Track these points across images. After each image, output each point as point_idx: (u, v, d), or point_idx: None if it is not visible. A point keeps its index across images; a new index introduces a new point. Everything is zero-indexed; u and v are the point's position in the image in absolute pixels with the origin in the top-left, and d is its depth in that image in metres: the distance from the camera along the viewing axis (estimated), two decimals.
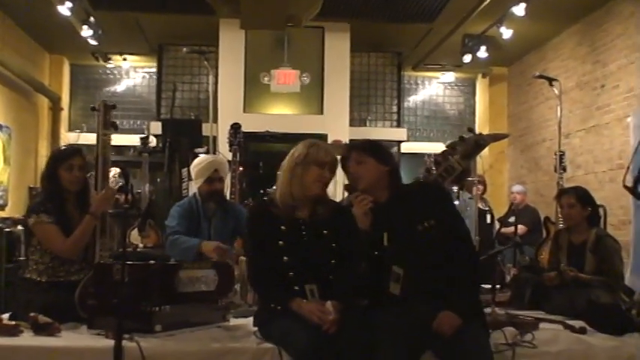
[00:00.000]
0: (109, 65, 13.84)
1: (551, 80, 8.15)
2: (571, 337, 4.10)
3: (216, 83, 11.00)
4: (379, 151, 4.04)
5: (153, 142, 10.24)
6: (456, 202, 8.29)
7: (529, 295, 5.54)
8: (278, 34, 11.70)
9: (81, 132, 13.21)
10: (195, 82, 13.50)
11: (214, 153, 8.37)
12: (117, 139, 11.58)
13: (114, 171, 7.19)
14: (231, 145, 7.22)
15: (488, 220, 9.33)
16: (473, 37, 11.90)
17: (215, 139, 9.00)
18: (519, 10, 9.86)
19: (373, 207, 3.85)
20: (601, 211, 6.51)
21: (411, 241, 3.80)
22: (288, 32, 11.46)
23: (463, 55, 12.27)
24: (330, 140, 10.92)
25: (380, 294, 3.81)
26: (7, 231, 8.55)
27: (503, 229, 9.00)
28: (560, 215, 6.23)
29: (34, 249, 4.54)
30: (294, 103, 12.23)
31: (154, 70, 13.83)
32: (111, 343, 3.43)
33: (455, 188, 8.17)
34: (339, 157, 4.05)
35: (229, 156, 7.11)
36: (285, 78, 11.48)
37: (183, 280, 3.96)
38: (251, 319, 4.10)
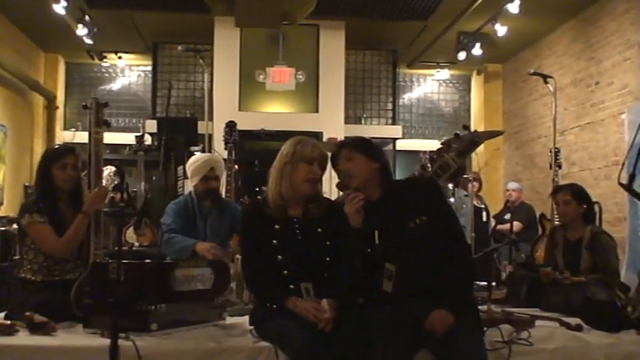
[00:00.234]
0: (104, 63, 13.83)
1: (545, 77, 8.17)
2: (567, 335, 4.10)
3: (211, 81, 11.00)
4: (369, 147, 4.01)
5: (148, 140, 10.21)
6: (452, 200, 8.32)
7: (525, 292, 5.54)
8: (273, 32, 11.70)
9: (76, 130, 13.21)
10: (191, 80, 13.49)
11: (210, 151, 8.38)
12: (112, 138, 11.66)
13: (109, 169, 7.20)
14: (226, 143, 7.23)
15: (484, 218, 9.34)
16: (467, 35, 11.92)
17: (210, 137, 8.99)
18: (514, 7, 9.87)
19: (365, 204, 3.83)
20: (596, 207, 6.52)
21: (403, 237, 3.79)
22: (283, 30, 11.45)
23: (458, 52, 12.30)
24: (325, 138, 10.92)
25: (373, 292, 3.80)
26: (3, 230, 8.54)
27: (499, 227, 9.02)
28: (555, 212, 6.24)
29: (28, 248, 4.53)
30: (289, 101, 12.23)
31: (149, 68, 13.81)
32: (107, 342, 3.42)
33: (450, 186, 8.20)
34: (329, 153, 4.04)
35: (225, 154, 7.12)
36: (281, 76, 11.49)
37: (179, 279, 3.95)
38: (247, 317, 4.10)
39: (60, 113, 13.66)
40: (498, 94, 14.20)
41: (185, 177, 7.64)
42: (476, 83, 14.53)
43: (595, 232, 5.59)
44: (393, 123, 13.78)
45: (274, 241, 3.84)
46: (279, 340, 3.61)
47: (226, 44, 11.85)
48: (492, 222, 9.50)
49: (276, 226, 3.88)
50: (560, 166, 7.95)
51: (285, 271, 3.80)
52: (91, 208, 4.47)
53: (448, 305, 3.61)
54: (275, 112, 12.16)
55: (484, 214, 9.38)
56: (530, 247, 6.68)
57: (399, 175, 11.95)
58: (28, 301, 4.25)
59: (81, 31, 10.94)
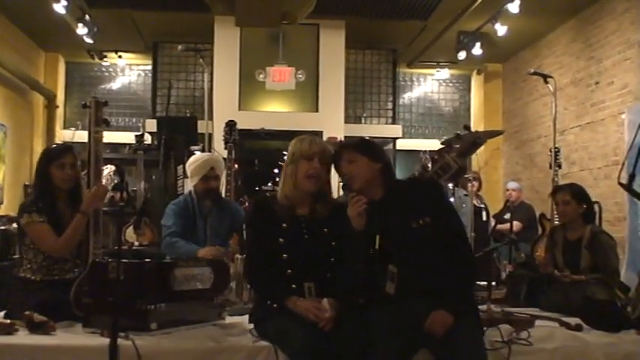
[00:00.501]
0: (104, 63, 13.85)
1: (545, 77, 8.16)
2: (567, 334, 4.10)
3: (211, 81, 11.00)
4: (370, 148, 4.00)
5: (148, 139, 10.20)
6: (452, 199, 8.30)
7: (525, 292, 5.54)
8: (273, 31, 11.70)
9: (76, 129, 13.19)
10: (191, 80, 13.50)
11: (210, 151, 8.37)
12: (112, 137, 11.67)
13: (109, 169, 7.19)
14: (226, 142, 7.22)
15: (484, 217, 9.33)
16: (467, 34, 11.92)
17: (210, 136, 8.99)
18: (514, 6, 9.87)
19: (368, 206, 3.81)
20: (596, 207, 6.52)
21: (405, 238, 3.78)
22: (283, 29, 11.46)
23: (458, 51, 12.29)
24: (325, 137, 10.92)
25: (375, 293, 3.79)
26: (2, 229, 8.53)
27: (499, 226, 9.01)
28: (555, 212, 6.23)
29: (27, 248, 4.53)
30: (289, 100, 12.23)
31: (149, 67, 13.82)
32: (106, 341, 3.42)
33: (450, 185, 8.19)
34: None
35: (224, 153, 7.11)
36: (281, 75, 11.49)
37: (178, 278, 3.95)
38: (247, 316, 4.10)
39: (60, 112, 13.67)
40: (498, 93, 14.20)
41: (185, 176, 7.63)
42: (476, 83, 14.53)
43: (595, 231, 5.59)
44: (393, 122, 13.79)
45: (281, 240, 3.86)
46: (279, 339, 3.61)
47: (226, 44, 11.85)
48: (492, 221, 9.49)
49: (284, 225, 3.89)
50: (560, 166, 7.95)
51: (289, 270, 3.82)
52: (90, 208, 4.46)
53: (448, 306, 3.60)
54: (275, 112, 12.17)
55: (484, 213, 9.37)
56: (530, 246, 6.66)
57: (399, 174, 11.95)
58: (27, 300, 4.25)
59: (81, 30, 10.95)
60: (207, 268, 4.22)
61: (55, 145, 5.49)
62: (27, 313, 3.87)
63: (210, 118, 9.26)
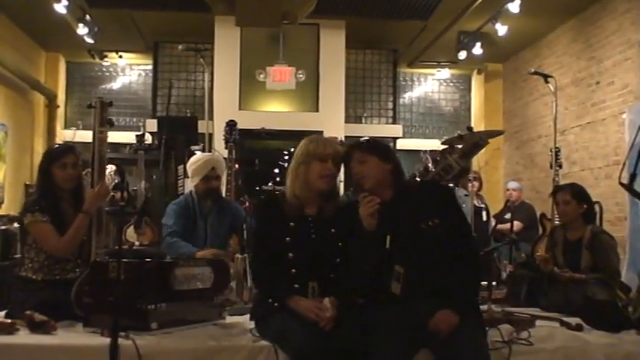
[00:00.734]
0: (104, 63, 13.84)
1: (546, 77, 8.14)
2: (567, 334, 4.10)
3: (211, 80, 11.00)
4: (382, 149, 4.01)
5: (149, 139, 10.21)
6: None
7: (525, 291, 5.54)
8: (273, 31, 11.70)
9: (77, 129, 13.19)
10: (191, 80, 13.50)
11: (210, 150, 8.37)
12: (113, 137, 11.51)
13: (109, 168, 7.18)
14: (226, 142, 7.23)
15: (484, 217, 9.31)
16: (468, 34, 11.92)
17: (211, 136, 8.99)
18: (514, 6, 9.88)
19: (380, 208, 3.81)
20: (597, 207, 6.51)
21: (414, 239, 3.79)
22: (284, 29, 11.46)
23: (458, 51, 12.29)
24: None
25: (380, 293, 3.79)
26: (3, 229, 8.54)
27: (499, 226, 8.99)
28: (555, 212, 6.23)
29: (29, 247, 4.54)
30: (289, 100, 12.23)
31: (150, 67, 13.82)
32: (107, 341, 3.42)
33: (450, 185, 8.18)
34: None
35: (225, 153, 7.11)
36: (281, 75, 11.49)
37: (179, 278, 3.95)
38: (247, 316, 4.11)
39: (61, 112, 13.66)
40: (499, 93, 14.19)
41: (185, 176, 7.63)
42: (476, 83, 14.53)
43: (595, 231, 5.59)
44: (394, 122, 13.79)
45: (287, 239, 3.86)
46: (280, 338, 3.61)
47: (227, 43, 11.85)
48: (492, 221, 9.48)
49: (291, 224, 3.90)
50: (560, 166, 7.94)
51: (294, 270, 3.83)
52: (92, 207, 4.47)
53: (454, 306, 3.61)
54: (275, 112, 12.16)
55: (484, 213, 9.36)
56: (531, 246, 6.65)
57: None
58: (28, 300, 4.26)
59: (82, 30, 10.95)
60: (208, 268, 4.23)
61: (57, 145, 5.50)
62: (28, 312, 3.88)
63: (211, 117, 9.26)
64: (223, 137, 7.28)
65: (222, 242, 5.51)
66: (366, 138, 4.26)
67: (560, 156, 7.99)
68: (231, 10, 9.52)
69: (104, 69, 14.15)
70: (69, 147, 4.78)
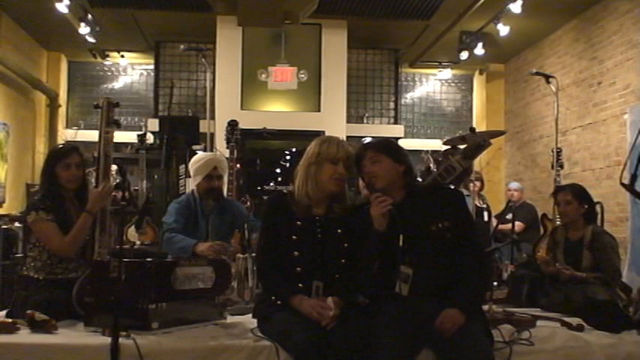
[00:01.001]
0: (106, 62, 13.83)
1: (547, 77, 8.14)
2: (568, 335, 4.10)
3: (213, 80, 10.98)
4: (395, 150, 4.02)
5: (150, 139, 10.24)
6: None
7: (526, 292, 5.55)
8: (275, 31, 11.69)
9: (79, 129, 13.21)
10: (193, 79, 13.49)
11: (212, 150, 8.38)
12: (114, 136, 11.64)
13: (111, 168, 7.19)
14: (228, 142, 7.23)
15: (486, 218, 9.31)
16: (470, 34, 11.91)
17: (212, 136, 9.00)
18: (516, 6, 9.87)
19: (392, 209, 3.80)
20: (598, 207, 6.51)
21: (423, 241, 3.79)
22: (286, 29, 11.45)
23: (460, 51, 12.27)
24: None
25: (386, 293, 3.79)
26: (5, 228, 8.55)
27: (501, 226, 8.99)
28: (557, 212, 6.24)
29: (32, 246, 4.55)
30: (291, 100, 12.21)
31: (152, 67, 13.81)
32: (107, 340, 3.42)
33: (452, 186, 8.19)
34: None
35: (226, 153, 7.12)
36: (283, 75, 11.48)
37: (180, 278, 3.96)
38: (248, 316, 4.11)
39: (62, 111, 13.66)
40: (500, 93, 14.19)
41: (187, 176, 7.64)
42: (478, 83, 14.52)
43: (596, 232, 5.60)
44: (395, 122, 13.76)
45: (294, 237, 3.87)
46: (282, 336, 3.61)
47: (228, 43, 11.84)
48: (494, 222, 9.48)
49: (298, 222, 3.90)
50: (561, 166, 7.93)
51: (299, 268, 3.83)
52: (95, 207, 4.48)
53: (460, 305, 3.62)
54: (277, 111, 12.15)
55: (486, 213, 9.35)
56: (532, 246, 6.66)
57: None
58: (29, 299, 4.26)
59: (83, 29, 10.95)
60: (209, 268, 4.23)
61: (60, 145, 5.50)
62: (29, 312, 3.88)
63: (212, 117, 9.27)
64: (225, 137, 7.29)
65: (224, 241, 5.51)
66: (380, 138, 4.25)
67: (562, 156, 7.98)
68: (233, 9, 9.55)
69: (106, 68, 14.15)
70: (73, 147, 4.78)
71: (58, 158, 4.62)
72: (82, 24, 10.86)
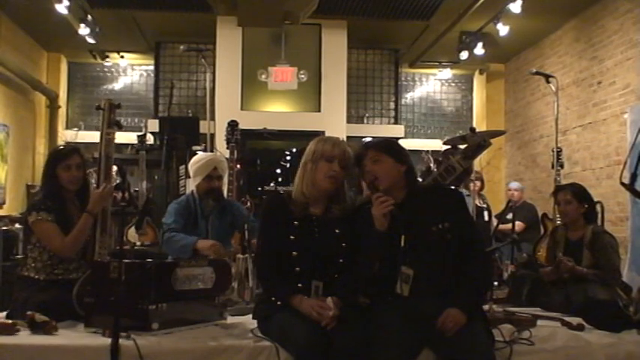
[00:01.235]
0: (106, 63, 13.84)
1: (547, 77, 8.14)
2: (568, 334, 4.10)
3: (213, 81, 11.00)
4: (397, 150, 4.01)
5: (150, 139, 10.23)
6: None
7: (526, 291, 5.55)
8: (275, 31, 11.69)
9: (79, 130, 13.21)
10: (193, 80, 13.49)
11: (212, 150, 8.37)
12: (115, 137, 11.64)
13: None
14: (228, 142, 7.23)
15: (486, 217, 9.32)
16: (470, 34, 11.91)
17: (212, 136, 9.00)
18: (516, 6, 9.88)
19: (393, 209, 3.79)
20: (598, 207, 6.51)
21: (424, 242, 3.79)
22: (286, 29, 11.46)
23: (460, 51, 12.28)
24: None
25: (387, 294, 3.79)
26: (5, 229, 8.55)
27: (501, 226, 9.00)
28: (557, 212, 6.24)
29: (32, 246, 4.55)
30: (291, 100, 12.22)
31: (152, 67, 13.81)
32: (108, 341, 3.43)
33: (452, 186, 8.19)
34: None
35: (226, 153, 7.11)
36: (283, 75, 11.48)
37: (180, 278, 3.95)
38: (248, 316, 4.11)
39: (62, 112, 13.65)
40: (500, 93, 14.20)
41: (187, 176, 7.64)
42: (478, 83, 14.52)
43: (596, 231, 5.60)
44: (396, 122, 13.77)
45: (292, 237, 3.86)
46: (282, 336, 3.62)
47: (228, 43, 11.84)
48: (494, 221, 9.49)
49: (296, 222, 3.90)
50: (562, 166, 7.93)
51: (298, 268, 3.83)
52: (96, 207, 4.48)
53: (462, 305, 3.62)
54: (277, 112, 12.15)
55: (486, 213, 9.37)
56: (532, 246, 6.66)
57: None
58: (30, 300, 4.26)
59: (83, 30, 10.95)
60: (209, 268, 4.22)
61: (61, 147, 5.50)
62: (29, 313, 3.88)
63: (213, 118, 9.26)
64: (225, 137, 7.29)
65: (224, 242, 5.51)
66: (381, 138, 4.25)
67: (562, 156, 7.99)
68: (233, 10, 9.55)
69: (106, 69, 14.15)
70: (73, 148, 4.79)
71: (58, 159, 4.63)
72: (82, 25, 10.87)
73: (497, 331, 3.89)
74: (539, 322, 4.34)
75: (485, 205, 9.46)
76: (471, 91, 14.69)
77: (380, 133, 12.67)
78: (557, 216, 6.34)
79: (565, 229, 5.76)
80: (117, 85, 14.17)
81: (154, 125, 11.17)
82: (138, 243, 7.71)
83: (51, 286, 4.40)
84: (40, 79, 12.85)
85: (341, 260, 3.88)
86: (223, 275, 4.36)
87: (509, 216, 9.18)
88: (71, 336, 3.80)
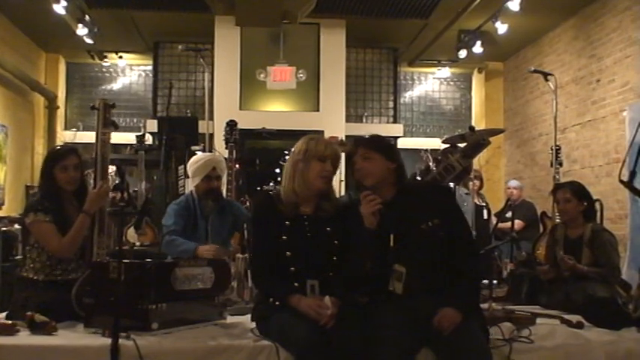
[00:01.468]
0: (104, 63, 13.84)
1: (546, 75, 8.13)
2: (568, 332, 4.10)
3: (212, 80, 11.01)
4: (386, 147, 4.02)
5: (149, 139, 10.22)
6: None
7: (526, 290, 5.56)
8: (274, 30, 11.70)
9: (77, 130, 13.21)
10: (191, 80, 13.50)
11: (211, 150, 8.37)
12: (113, 137, 11.53)
13: (110, 169, 7.19)
14: (227, 142, 7.23)
15: (485, 216, 9.32)
16: (468, 33, 11.92)
17: (211, 136, 9.00)
18: (514, 4, 9.87)
19: (382, 207, 3.78)
20: (597, 205, 6.51)
21: (414, 239, 3.78)
22: (284, 29, 11.46)
23: (459, 50, 12.29)
24: (326, 137, 10.93)
25: (381, 292, 3.79)
26: (4, 230, 8.55)
27: (500, 225, 8.99)
28: (556, 210, 6.24)
29: (31, 247, 4.53)
30: (290, 99, 12.23)
31: (150, 67, 13.83)
32: (107, 341, 3.42)
33: (451, 184, 8.19)
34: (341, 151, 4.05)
35: (225, 153, 7.11)
36: (281, 75, 11.48)
37: (179, 278, 3.95)
38: (248, 316, 4.11)
39: (61, 113, 13.65)
40: (499, 92, 14.20)
41: (186, 176, 7.62)
42: (477, 81, 14.52)
43: (596, 229, 5.60)
44: (394, 121, 13.79)
45: (284, 237, 3.86)
46: (282, 336, 3.62)
47: (227, 43, 11.86)
48: (493, 220, 9.48)
49: (287, 222, 3.90)
50: (561, 164, 7.93)
51: (292, 268, 3.83)
52: (92, 207, 4.47)
53: (457, 304, 3.61)
54: (276, 111, 12.17)
55: (485, 212, 9.36)
56: (532, 245, 6.66)
57: None
58: (29, 300, 4.26)
59: (81, 30, 10.96)
60: (209, 268, 4.22)
61: (58, 147, 5.49)
62: (28, 313, 3.87)
63: (211, 118, 9.26)
64: (224, 137, 7.28)
65: (224, 242, 5.51)
66: (371, 134, 4.24)
67: (561, 154, 7.98)
68: (231, 9, 9.53)
69: (104, 70, 14.15)
70: (70, 149, 4.78)
71: (55, 160, 4.62)
72: (80, 25, 10.88)
73: (497, 329, 3.89)
74: (538, 320, 4.34)
75: (484, 204, 9.46)
76: (469, 90, 14.69)
77: (379, 132, 12.46)
78: (557, 214, 6.34)
79: (564, 227, 5.75)
80: (115, 86, 14.18)
81: (152, 125, 11.19)
82: (137, 243, 7.71)
83: (50, 287, 4.39)
84: (38, 79, 12.86)
85: (335, 258, 3.88)
86: (223, 275, 4.36)
87: (509, 214, 9.18)
88: (71, 336, 3.80)
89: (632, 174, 3.82)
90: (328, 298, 3.69)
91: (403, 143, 13.32)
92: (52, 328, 3.82)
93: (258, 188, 9.28)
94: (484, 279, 5.00)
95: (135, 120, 13.64)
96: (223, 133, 7.30)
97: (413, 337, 3.55)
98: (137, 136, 9.43)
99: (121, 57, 13.63)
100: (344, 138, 10.77)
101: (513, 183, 10.70)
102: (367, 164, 3.89)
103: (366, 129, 12.62)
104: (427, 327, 3.57)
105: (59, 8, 9.97)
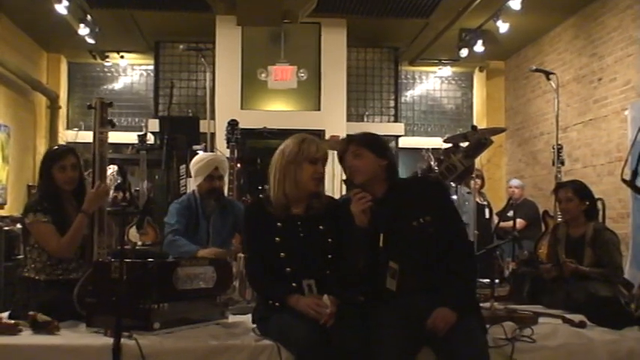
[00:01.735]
0: (106, 63, 13.85)
1: (548, 74, 8.14)
2: (570, 331, 4.10)
3: (213, 80, 11.00)
4: (377, 144, 4.00)
5: (150, 139, 10.23)
6: (454, 197, 8.29)
7: (528, 289, 5.54)
8: (275, 30, 11.69)
9: (79, 130, 13.21)
10: (193, 79, 13.49)
11: (212, 150, 8.37)
12: (114, 137, 11.55)
13: (112, 169, 7.20)
14: (228, 141, 7.22)
15: (487, 215, 9.32)
16: (469, 32, 11.91)
17: (213, 136, 8.99)
18: (515, 3, 9.87)
19: (372, 205, 3.77)
20: (599, 204, 6.50)
21: (406, 236, 3.77)
22: (285, 28, 11.45)
23: (460, 49, 12.28)
24: (327, 136, 10.95)
25: (377, 290, 3.78)
26: (6, 229, 8.56)
27: (502, 224, 8.99)
28: (558, 209, 6.23)
29: (31, 247, 4.53)
30: (291, 99, 12.22)
31: (152, 67, 13.83)
32: (110, 340, 3.43)
33: (453, 183, 8.19)
34: (330, 151, 4.04)
35: (227, 153, 7.11)
36: (282, 74, 11.47)
37: (181, 278, 3.95)
38: (249, 315, 4.11)
39: (63, 113, 13.67)
40: (500, 91, 14.20)
41: (188, 176, 7.63)
42: (478, 80, 14.52)
43: (598, 228, 5.59)
44: (396, 120, 13.77)
45: (277, 239, 3.85)
46: (282, 336, 3.62)
47: (228, 43, 11.85)
48: (495, 219, 9.48)
49: (279, 224, 3.89)
50: (562, 163, 7.93)
51: (288, 269, 3.82)
52: (91, 207, 4.46)
53: (451, 304, 3.60)
54: (277, 111, 12.16)
55: (487, 211, 9.36)
56: (534, 244, 6.66)
57: (401, 172, 11.91)
58: (31, 300, 4.27)
59: (83, 30, 10.96)
60: (210, 267, 4.21)
61: (56, 147, 5.48)
62: (31, 313, 3.87)
63: (213, 117, 9.27)
64: (225, 137, 7.27)
65: (225, 242, 5.51)
66: (363, 132, 4.24)
67: (563, 153, 7.99)
68: (232, 9, 9.54)
69: (106, 69, 14.16)
70: (68, 148, 4.77)
71: (53, 160, 4.61)
72: (82, 25, 10.88)
73: (499, 329, 3.89)
74: (540, 320, 4.34)
75: (485, 203, 9.46)
76: (471, 89, 14.69)
77: (380, 131, 12.55)
78: (558, 213, 6.34)
79: (566, 227, 5.75)
80: (117, 85, 14.19)
81: (154, 125, 11.18)
82: (139, 243, 7.71)
83: (52, 287, 4.40)
84: (40, 79, 12.87)
85: (330, 256, 3.87)
86: (224, 274, 4.36)
87: (510, 213, 9.19)
88: (73, 336, 3.80)
89: (634, 173, 3.82)
90: (327, 297, 3.68)
91: (404, 142, 13.34)
92: (54, 328, 3.82)
93: (260, 188, 9.27)
94: (479, 276, 4.97)
95: (136, 120, 13.64)
96: (224, 132, 7.29)
97: (412, 336, 3.55)
98: (139, 136, 9.44)
99: (122, 57, 13.64)
100: (345, 137, 10.75)
101: (515, 182, 10.70)
102: (357, 161, 3.88)
103: (367, 128, 12.54)
104: (424, 326, 3.56)
105: (61, 8, 9.98)
